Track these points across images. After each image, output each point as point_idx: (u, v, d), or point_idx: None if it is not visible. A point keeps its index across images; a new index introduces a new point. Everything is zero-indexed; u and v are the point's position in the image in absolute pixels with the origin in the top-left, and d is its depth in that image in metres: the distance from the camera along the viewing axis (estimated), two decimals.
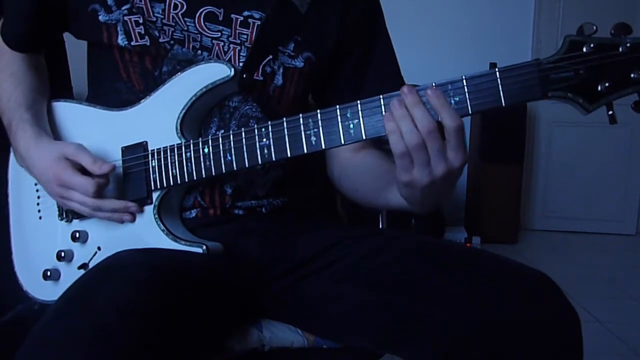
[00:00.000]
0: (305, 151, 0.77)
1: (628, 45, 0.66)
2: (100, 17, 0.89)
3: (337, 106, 0.75)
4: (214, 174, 0.83)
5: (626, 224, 4.03)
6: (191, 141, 0.84)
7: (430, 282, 0.79)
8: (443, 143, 0.70)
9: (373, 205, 0.92)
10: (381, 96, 0.73)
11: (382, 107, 0.73)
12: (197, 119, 0.89)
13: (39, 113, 0.94)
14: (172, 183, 0.85)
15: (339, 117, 0.75)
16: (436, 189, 0.73)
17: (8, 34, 0.98)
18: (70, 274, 0.91)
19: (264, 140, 0.80)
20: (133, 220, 0.88)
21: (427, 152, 0.70)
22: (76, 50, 1.07)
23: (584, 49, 0.67)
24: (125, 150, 0.89)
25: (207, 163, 0.83)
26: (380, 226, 1.21)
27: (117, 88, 0.92)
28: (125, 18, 0.89)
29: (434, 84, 0.71)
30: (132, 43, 0.89)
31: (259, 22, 0.90)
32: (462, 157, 0.70)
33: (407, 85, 0.71)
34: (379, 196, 0.88)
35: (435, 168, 0.70)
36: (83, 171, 0.85)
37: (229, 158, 0.82)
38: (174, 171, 0.85)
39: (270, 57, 0.91)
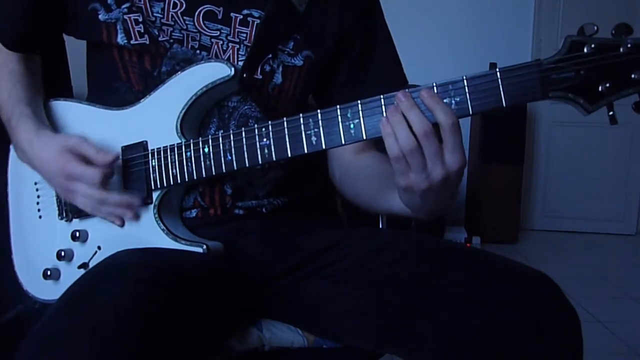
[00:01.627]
0: (306, 151, 0.77)
1: (629, 45, 0.65)
2: (100, 16, 0.89)
3: (338, 106, 0.75)
4: (214, 173, 0.83)
5: (626, 224, 4.03)
6: (191, 141, 0.84)
7: (430, 282, 0.79)
8: (440, 146, 0.70)
9: (374, 209, 0.92)
10: (382, 96, 0.73)
11: (383, 107, 0.73)
12: (197, 118, 0.89)
13: (38, 109, 0.94)
14: (172, 182, 0.85)
15: (339, 117, 0.75)
16: (435, 193, 0.73)
17: (4, 34, 0.97)
18: (70, 274, 0.91)
19: (265, 140, 0.80)
20: (135, 218, 0.87)
21: (422, 157, 0.70)
22: (76, 50, 1.07)
23: (585, 50, 0.67)
24: (125, 149, 0.89)
25: (207, 163, 0.83)
26: (380, 226, 1.21)
27: (116, 88, 0.92)
28: (125, 17, 0.89)
29: (434, 84, 0.71)
30: (132, 42, 0.89)
31: (258, 21, 0.90)
32: (459, 159, 0.70)
33: (402, 91, 0.71)
34: (380, 201, 0.88)
35: (433, 172, 0.70)
36: (87, 163, 0.85)
37: (229, 158, 0.82)
38: (174, 171, 0.85)
39: (270, 55, 0.91)
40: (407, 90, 0.71)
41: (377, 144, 0.97)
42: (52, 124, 0.95)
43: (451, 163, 0.70)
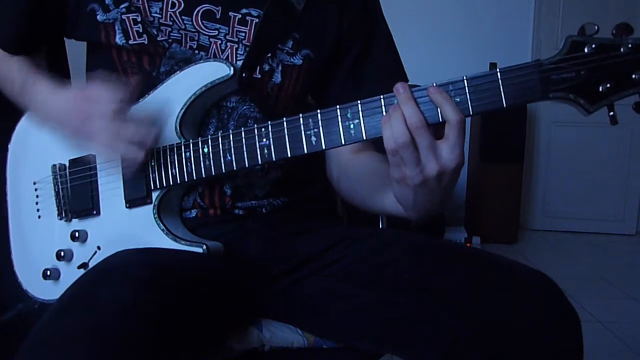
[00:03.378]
0: (306, 151, 0.77)
1: (630, 45, 0.65)
2: (98, 17, 0.89)
3: (338, 106, 0.75)
4: (213, 173, 0.83)
5: (626, 224, 4.04)
6: (190, 141, 0.84)
7: (430, 282, 0.79)
8: (433, 140, 0.69)
9: (370, 208, 0.92)
10: (382, 96, 0.73)
11: (383, 107, 0.73)
12: (196, 118, 0.89)
13: (49, 76, 0.95)
14: (171, 183, 0.85)
15: (339, 117, 0.75)
16: (429, 190, 0.72)
17: (3, 38, 0.97)
18: (70, 274, 0.91)
19: (264, 140, 0.79)
20: (157, 140, 0.84)
21: (416, 151, 0.69)
22: (76, 50, 1.07)
23: (586, 50, 0.67)
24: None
25: (207, 163, 0.83)
26: (380, 226, 1.21)
27: None
28: (123, 16, 0.89)
29: (434, 84, 0.71)
30: (130, 42, 0.89)
31: (257, 20, 0.90)
32: (457, 157, 0.70)
33: (400, 83, 0.71)
34: (375, 199, 0.88)
35: (427, 166, 0.70)
36: None
37: (229, 158, 0.82)
38: (173, 171, 0.85)
39: (269, 55, 0.91)
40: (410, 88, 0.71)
41: (375, 144, 0.97)
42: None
43: (448, 160, 0.70)
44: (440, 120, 0.70)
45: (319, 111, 0.76)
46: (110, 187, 0.89)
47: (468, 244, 3.25)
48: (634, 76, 0.65)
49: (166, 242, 0.85)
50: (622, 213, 4.03)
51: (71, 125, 0.86)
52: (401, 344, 0.80)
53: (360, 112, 0.74)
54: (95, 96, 0.82)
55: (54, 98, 0.89)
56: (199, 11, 0.89)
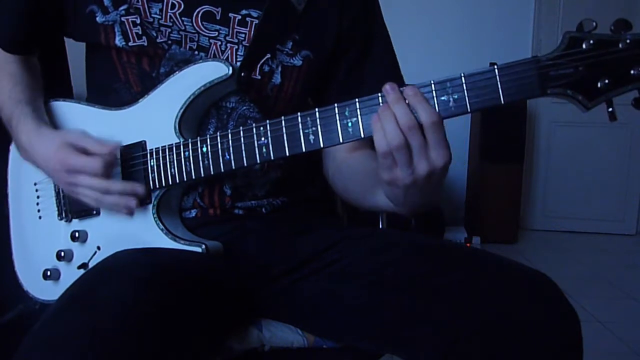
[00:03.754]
0: (304, 150, 0.77)
1: (628, 41, 0.65)
2: (97, 19, 0.89)
3: (336, 104, 0.75)
4: (212, 173, 0.83)
5: (626, 224, 4.03)
6: (189, 140, 0.84)
7: (430, 282, 0.78)
8: (424, 140, 0.69)
9: (362, 205, 0.92)
10: (379, 94, 0.72)
11: (381, 105, 0.72)
12: (195, 118, 0.89)
13: (39, 109, 0.94)
14: (170, 182, 0.85)
15: (337, 116, 0.75)
16: (419, 188, 0.72)
17: (2, 37, 0.97)
18: (70, 274, 0.91)
19: (262, 139, 0.79)
20: (139, 205, 0.86)
21: (409, 152, 0.69)
22: (76, 50, 1.07)
23: (584, 46, 0.66)
24: (124, 149, 0.89)
25: (206, 162, 0.83)
26: (380, 226, 1.21)
27: (115, 89, 0.92)
28: (123, 19, 0.89)
29: (432, 82, 0.71)
30: (130, 44, 0.89)
31: (256, 21, 0.90)
32: (444, 155, 0.70)
33: (389, 83, 0.71)
34: (367, 196, 0.88)
35: (418, 167, 0.70)
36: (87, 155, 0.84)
37: (228, 157, 0.82)
38: (172, 170, 0.85)
39: (269, 55, 0.91)
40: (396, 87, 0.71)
41: (371, 142, 0.97)
42: (52, 124, 0.94)
43: (436, 159, 0.70)
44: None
45: (317, 110, 0.76)
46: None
47: (468, 244, 3.25)
48: (632, 72, 0.65)
49: (166, 242, 0.85)
50: (622, 213, 4.02)
51: (56, 175, 0.87)
52: (401, 344, 0.80)
53: (358, 110, 0.74)
54: (79, 163, 0.83)
55: (38, 141, 0.88)
56: (198, 12, 0.89)
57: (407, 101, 0.70)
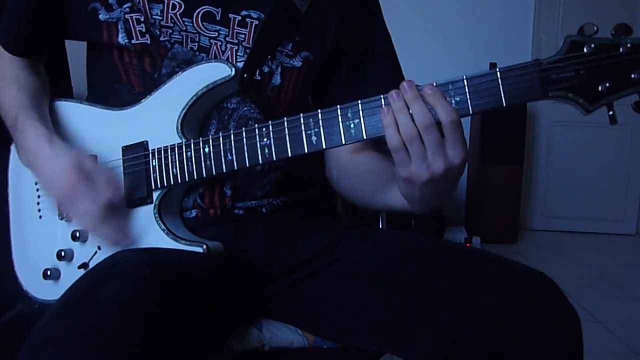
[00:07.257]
0: (306, 151, 0.77)
1: (629, 45, 0.66)
2: (100, 16, 0.89)
3: (338, 106, 0.75)
4: (214, 173, 0.83)
5: (626, 224, 4.03)
6: (192, 140, 0.84)
7: (430, 282, 0.79)
8: (441, 138, 0.70)
9: (371, 206, 0.92)
10: (382, 96, 0.73)
11: (383, 106, 0.73)
12: (197, 118, 0.89)
13: (45, 116, 0.93)
14: (172, 182, 0.85)
15: (339, 117, 0.75)
16: (436, 186, 0.73)
17: (7, 39, 0.97)
18: (70, 274, 0.91)
19: (265, 139, 0.80)
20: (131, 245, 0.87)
21: (422, 145, 0.70)
22: (76, 50, 1.07)
23: (585, 50, 0.67)
24: (126, 149, 0.89)
25: (208, 162, 0.83)
26: (380, 226, 1.21)
27: (116, 89, 0.92)
28: (127, 16, 0.89)
29: (435, 84, 0.71)
30: (133, 41, 0.89)
31: (256, 22, 0.90)
32: (461, 153, 0.70)
33: (407, 81, 0.71)
34: (378, 196, 0.88)
35: (434, 163, 0.70)
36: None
37: (230, 157, 0.82)
38: (174, 170, 0.85)
39: (269, 56, 0.91)
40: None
41: (374, 143, 0.97)
42: (52, 124, 0.94)
43: (453, 157, 0.70)
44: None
45: (319, 111, 0.76)
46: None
47: (468, 244, 3.25)
48: (633, 76, 0.66)
49: (166, 242, 0.85)
50: (622, 213, 4.02)
51: (58, 189, 0.86)
52: (401, 344, 0.80)
53: (361, 112, 0.74)
54: (94, 180, 0.83)
55: (49, 152, 0.86)
56: (199, 13, 0.89)
57: (423, 99, 0.70)
